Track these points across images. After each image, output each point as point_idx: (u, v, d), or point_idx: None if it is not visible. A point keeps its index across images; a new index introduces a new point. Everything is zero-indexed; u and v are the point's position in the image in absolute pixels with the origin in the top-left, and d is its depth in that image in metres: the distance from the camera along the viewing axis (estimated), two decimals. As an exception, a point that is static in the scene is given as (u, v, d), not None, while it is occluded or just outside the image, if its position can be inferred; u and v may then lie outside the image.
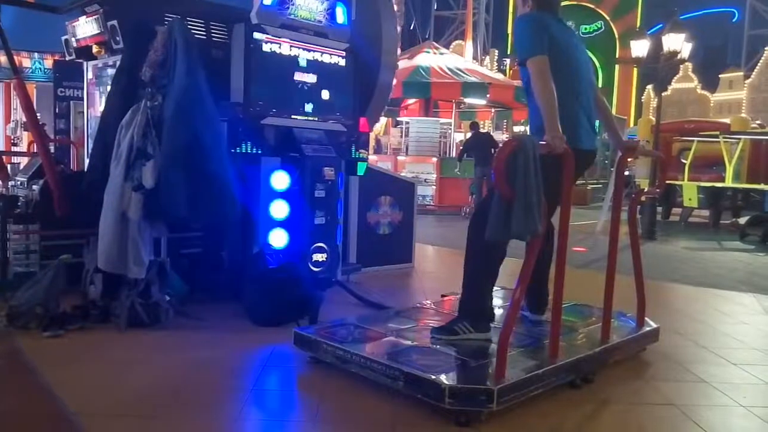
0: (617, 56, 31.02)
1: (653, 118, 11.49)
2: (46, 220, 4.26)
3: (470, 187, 11.78)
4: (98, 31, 4.25)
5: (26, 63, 12.40)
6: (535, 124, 3.03)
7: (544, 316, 3.41)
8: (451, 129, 17.28)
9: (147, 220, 3.63)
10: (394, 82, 5.57)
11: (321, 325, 3.39)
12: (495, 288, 4.20)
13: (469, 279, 3.11)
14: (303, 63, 4.33)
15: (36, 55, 12.44)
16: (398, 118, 18.54)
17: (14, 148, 12.05)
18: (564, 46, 3.01)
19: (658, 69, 10.22)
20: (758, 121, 18.99)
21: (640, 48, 10.59)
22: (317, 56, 4.40)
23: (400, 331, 3.22)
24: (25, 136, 11.45)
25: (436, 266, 6.40)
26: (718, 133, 12.28)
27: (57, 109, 8.50)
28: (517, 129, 19.98)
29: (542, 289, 3.40)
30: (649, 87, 28.38)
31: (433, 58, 14.12)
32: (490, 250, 2.96)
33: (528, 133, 3.07)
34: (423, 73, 13.23)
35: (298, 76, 4.31)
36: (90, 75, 4.79)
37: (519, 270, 2.65)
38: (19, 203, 4.49)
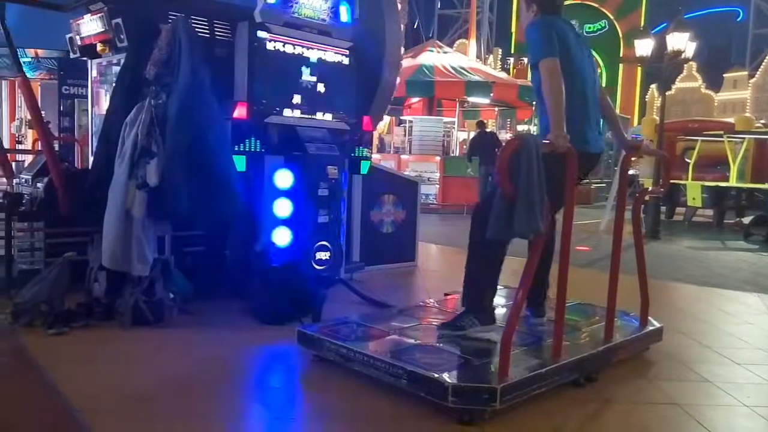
0: (621, 55, 30.98)
1: (657, 118, 11.47)
2: (51, 217, 4.27)
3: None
4: (103, 29, 4.26)
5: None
6: (543, 125, 3.06)
7: (545, 317, 3.43)
8: (454, 128, 17.27)
9: (151, 218, 3.64)
10: (398, 80, 5.57)
11: (324, 323, 3.39)
12: (499, 287, 4.22)
13: (471, 276, 3.13)
14: (307, 61, 4.33)
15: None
16: (401, 117, 18.52)
17: (19, 146, 12.08)
18: (569, 49, 3.04)
19: (662, 68, 10.19)
20: (762, 121, 18.92)
21: (644, 47, 10.56)
22: (321, 55, 4.40)
23: (403, 330, 3.22)
24: (30, 134, 11.47)
25: (439, 265, 6.40)
26: (722, 132, 12.24)
27: (61, 107, 8.52)
28: (520, 128, 19.95)
29: (543, 281, 3.41)
30: (653, 86, 28.35)
31: (436, 57, 14.09)
32: (492, 247, 2.97)
33: (535, 133, 3.09)
34: (426, 71, 13.21)
35: (302, 75, 4.31)
36: (94, 73, 4.80)
37: (521, 268, 2.65)
38: (23, 201, 4.50)
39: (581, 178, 3.14)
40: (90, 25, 4.41)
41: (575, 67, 3.04)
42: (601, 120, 3.35)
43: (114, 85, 4.10)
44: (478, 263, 3.10)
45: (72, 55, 4.93)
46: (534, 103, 13.98)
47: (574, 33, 3.20)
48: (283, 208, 4.17)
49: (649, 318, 3.56)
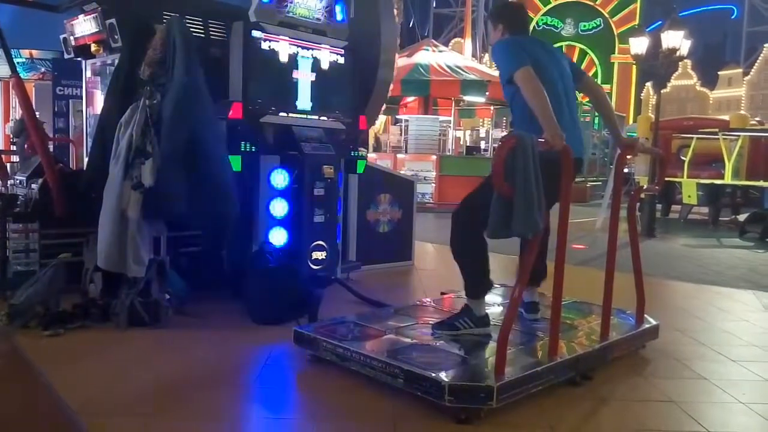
0: (616, 53, 31.03)
1: (652, 116, 11.49)
2: (46, 218, 4.26)
3: None
4: (97, 30, 4.25)
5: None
6: None
7: (539, 314, 3.46)
8: (450, 127, 17.29)
9: (146, 218, 3.63)
10: (393, 79, 5.57)
11: (321, 323, 3.40)
12: (495, 285, 4.24)
13: (467, 270, 3.17)
14: (302, 61, 4.32)
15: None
16: (397, 116, 18.54)
17: (13, 147, 12.03)
18: (538, 61, 3.03)
19: (657, 66, 10.22)
20: (757, 118, 19.00)
21: (639, 45, 10.58)
22: (316, 54, 4.40)
23: (399, 329, 3.22)
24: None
25: (435, 264, 6.40)
26: (717, 130, 12.28)
27: (56, 108, 8.50)
28: (516, 126, 19.95)
29: (541, 265, 3.41)
30: (648, 84, 28.44)
31: (432, 56, 14.10)
32: (477, 241, 3.04)
33: None
34: (422, 70, 13.21)
35: (297, 74, 4.31)
36: (89, 73, 4.79)
37: (514, 267, 2.65)
38: (18, 202, 4.49)
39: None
40: (84, 26, 4.39)
41: (545, 83, 2.98)
42: (580, 132, 3.38)
43: (108, 85, 4.09)
44: (467, 258, 3.14)
45: (66, 56, 4.92)
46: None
47: (543, 48, 3.23)
48: (279, 208, 4.17)
49: (645, 316, 3.57)
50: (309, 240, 4.24)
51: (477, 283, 3.16)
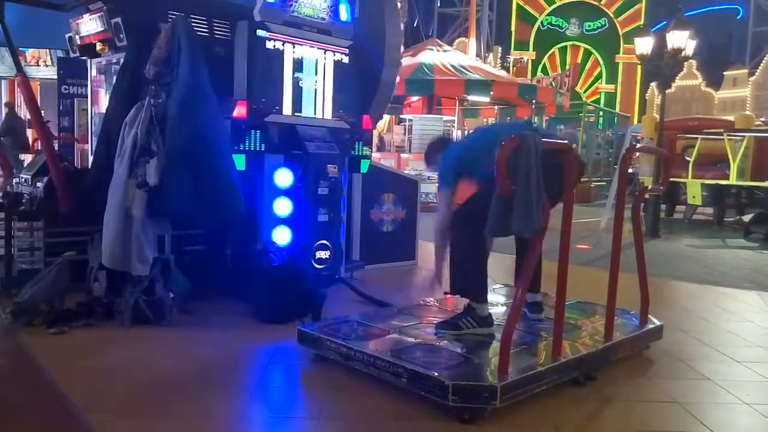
0: (621, 53, 30.96)
1: (657, 116, 11.44)
2: (51, 217, 4.27)
3: None
4: (102, 29, 4.26)
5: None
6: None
7: (543, 314, 3.45)
8: (454, 126, 17.27)
9: (151, 217, 3.64)
10: (398, 79, 5.57)
11: (324, 322, 3.40)
12: (498, 285, 4.23)
13: (465, 272, 3.17)
14: (306, 60, 4.33)
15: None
16: (401, 116, 18.50)
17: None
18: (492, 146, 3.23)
19: (662, 66, 10.17)
20: (762, 119, 18.91)
21: (644, 45, 10.53)
22: (320, 53, 4.40)
23: (403, 329, 3.22)
24: (30, 134, 11.46)
25: (439, 264, 6.39)
26: (722, 130, 12.23)
27: (61, 107, 8.51)
28: (520, 126, 19.87)
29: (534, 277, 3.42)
30: (653, 84, 28.34)
31: (436, 56, 14.08)
32: (477, 241, 3.04)
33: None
34: (426, 70, 13.20)
35: (301, 74, 4.31)
36: (94, 72, 4.80)
37: (516, 266, 2.65)
38: (23, 200, 4.50)
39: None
40: (89, 25, 4.41)
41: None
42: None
43: (113, 84, 4.10)
44: (467, 258, 3.14)
45: (71, 55, 4.93)
46: (533, 102, 14.06)
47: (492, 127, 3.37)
48: (283, 207, 4.18)
49: (649, 316, 3.56)
50: (313, 239, 4.24)
51: (479, 283, 3.16)
